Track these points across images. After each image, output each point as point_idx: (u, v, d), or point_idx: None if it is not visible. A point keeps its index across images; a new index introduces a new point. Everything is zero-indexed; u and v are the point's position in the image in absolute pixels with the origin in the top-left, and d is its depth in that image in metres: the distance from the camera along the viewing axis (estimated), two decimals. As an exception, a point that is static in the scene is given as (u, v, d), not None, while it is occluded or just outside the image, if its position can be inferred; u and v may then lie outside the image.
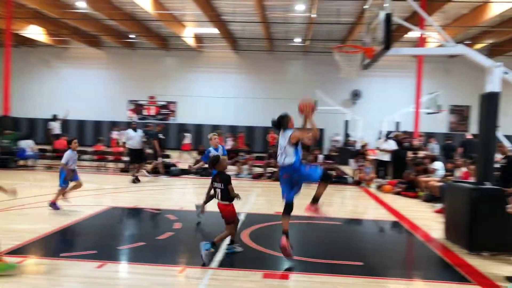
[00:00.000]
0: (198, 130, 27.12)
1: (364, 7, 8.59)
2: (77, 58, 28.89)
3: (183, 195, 11.80)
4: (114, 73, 28.76)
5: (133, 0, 18.24)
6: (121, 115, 28.30)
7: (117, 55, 28.57)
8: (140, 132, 13.35)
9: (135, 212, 8.81)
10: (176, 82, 28.48)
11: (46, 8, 19.83)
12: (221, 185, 5.68)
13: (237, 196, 5.73)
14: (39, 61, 28.74)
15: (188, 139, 20.66)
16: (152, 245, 6.20)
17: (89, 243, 6.27)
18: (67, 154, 8.52)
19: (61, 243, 6.52)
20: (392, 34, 7.01)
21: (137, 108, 28.68)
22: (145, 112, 28.65)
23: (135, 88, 28.49)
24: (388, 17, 6.91)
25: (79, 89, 28.36)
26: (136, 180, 12.53)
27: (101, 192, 11.12)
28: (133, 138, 13.11)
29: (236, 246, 6.11)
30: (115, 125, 24.41)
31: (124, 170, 15.16)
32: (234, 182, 5.87)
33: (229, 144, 18.69)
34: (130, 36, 25.82)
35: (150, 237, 6.59)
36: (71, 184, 8.62)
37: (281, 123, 5.97)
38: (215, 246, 5.62)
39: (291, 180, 5.68)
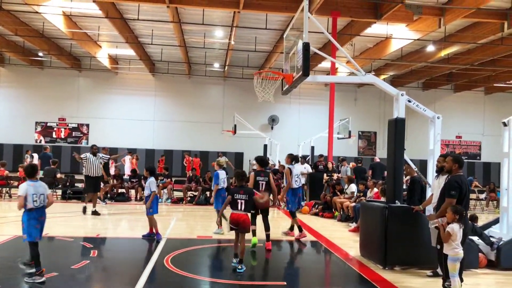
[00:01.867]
0: (113, 154, 25.97)
1: (284, 35, 9.04)
2: (-25, 75, 26.44)
3: (97, 221, 11.13)
4: (19, 92, 26.66)
5: (44, 17, 17.27)
6: (27, 138, 26.20)
7: (23, 73, 26.61)
8: (100, 156, 11.83)
9: (46, 241, 8.10)
10: (89, 103, 27.17)
11: None
12: (246, 197, 6.32)
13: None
14: None
15: None
16: (67, 275, 5.75)
17: (-8, 277, 5.64)
18: (151, 182, 8.21)
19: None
20: (309, 62, 7.41)
21: (46, 130, 26.78)
22: (54, 135, 26.83)
23: (44, 109, 26.65)
24: (306, 46, 7.31)
25: (-23, 108, 25.91)
26: (85, 210, 11.09)
27: (4, 220, 10.12)
28: (93, 164, 11.48)
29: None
30: (20, 148, 22.54)
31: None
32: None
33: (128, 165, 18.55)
34: (39, 54, 24.27)
35: (64, 267, 6.10)
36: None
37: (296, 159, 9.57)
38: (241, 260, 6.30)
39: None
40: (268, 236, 7.96)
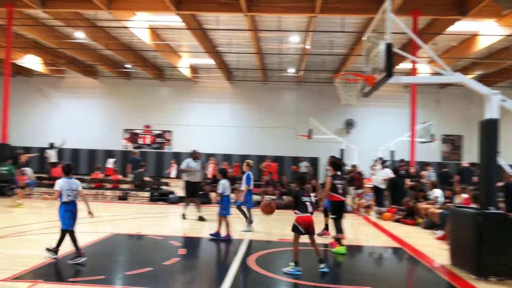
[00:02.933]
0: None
1: (362, 37, 8.91)
2: (72, 87, 29.02)
3: (182, 222, 11.66)
4: (109, 102, 28.89)
5: (131, 31, 18.57)
6: (116, 144, 28.24)
7: (113, 84, 28.78)
8: (199, 162, 11.69)
9: (138, 239, 8.73)
10: (171, 111, 28.65)
11: (45, 38, 20.05)
12: (311, 199, 6.44)
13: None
14: (35, 91, 28.84)
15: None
16: (160, 270, 6.14)
17: (96, 269, 6.18)
18: (222, 184, 8.93)
19: (67, 269, 6.25)
20: (393, 63, 7.23)
21: (133, 137, 28.68)
22: (140, 141, 28.65)
23: (131, 117, 28.58)
24: (389, 47, 7.16)
25: (74, 118, 28.39)
26: (202, 218, 11.05)
27: (98, 219, 10.97)
28: (194, 170, 11.42)
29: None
30: (110, 154, 24.40)
31: (122, 198, 15.05)
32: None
33: (210, 170, 18.91)
34: (126, 66, 26.11)
35: (157, 263, 6.51)
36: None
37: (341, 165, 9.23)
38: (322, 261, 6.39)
39: None
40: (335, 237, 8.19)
